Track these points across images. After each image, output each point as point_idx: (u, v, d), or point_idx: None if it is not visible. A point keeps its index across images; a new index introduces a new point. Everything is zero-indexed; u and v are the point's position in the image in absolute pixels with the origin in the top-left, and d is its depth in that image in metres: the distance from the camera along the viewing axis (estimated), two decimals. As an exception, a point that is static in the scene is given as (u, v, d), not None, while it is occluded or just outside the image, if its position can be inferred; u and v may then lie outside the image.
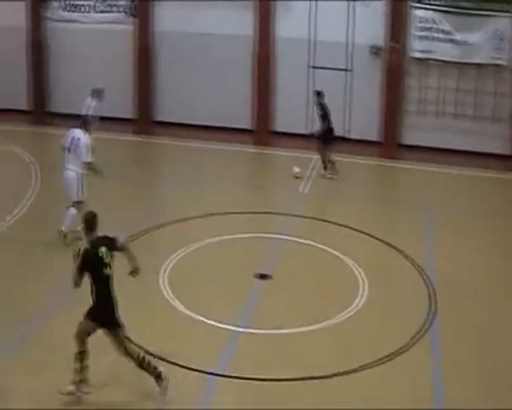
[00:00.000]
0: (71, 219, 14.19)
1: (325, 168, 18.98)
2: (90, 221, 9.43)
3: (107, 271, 9.32)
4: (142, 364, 9.50)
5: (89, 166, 14.31)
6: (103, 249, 9.31)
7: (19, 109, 24.24)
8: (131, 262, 9.85)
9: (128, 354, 9.48)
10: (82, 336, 9.39)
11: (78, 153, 14.29)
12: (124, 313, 11.72)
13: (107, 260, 9.32)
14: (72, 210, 14.26)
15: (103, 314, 9.39)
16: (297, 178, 18.69)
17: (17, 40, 23.85)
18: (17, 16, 23.77)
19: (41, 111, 24.32)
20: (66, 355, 9.60)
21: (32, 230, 15.05)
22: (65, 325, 10.59)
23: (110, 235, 9.62)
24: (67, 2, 24.00)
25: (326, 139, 18.81)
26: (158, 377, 9.52)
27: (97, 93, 18.10)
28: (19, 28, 23.83)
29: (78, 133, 14.36)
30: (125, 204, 16.88)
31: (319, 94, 18.93)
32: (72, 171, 14.27)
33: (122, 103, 22.82)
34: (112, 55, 23.36)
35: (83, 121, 14.75)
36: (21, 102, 24.30)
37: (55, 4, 24.08)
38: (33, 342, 10.91)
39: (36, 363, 10.28)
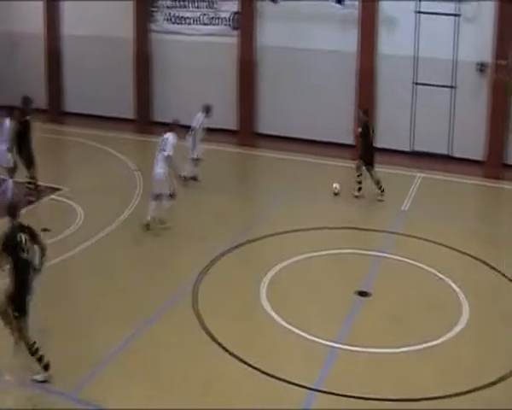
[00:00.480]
0: (164, 209, 15.87)
1: (359, 190, 18.38)
2: (12, 209, 10.27)
3: (24, 255, 10.01)
4: (33, 352, 10.08)
5: (167, 159, 15.47)
6: (22, 235, 10.05)
7: (126, 118, 24.99)
8: (40, 261, 10.39)
9: (24, 341, 10.07)
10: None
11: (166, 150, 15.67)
12: (223, 324, 11.93)
13: (24, 246, 10.03)
14: (166, 203, 15.83)
15: (18, 298, 9.97)
16: (336, 194, 18.61)
17: (126, 51, 24.60)
18: (126, 28, 24.51)
19: (145, 120, 24.95)
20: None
21: (135, 230, 15.87)
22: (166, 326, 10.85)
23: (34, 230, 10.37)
24: (172, 14, 24.58)
25: (365, 158, 18.38)
26: (45, 367, 10.09)
27: (207, 109, 19.04)
28: (127, 40, 24.57)
29: (167, 135, 15.75)
30: (227, 215, 17.14)
31: (366, 113, 18.62)
32: (162, 169, 15.59)
33: (225, 115, 23.13)
34: (215, 66, 23.77)
35: (172, 126, 16.09)
36: (128, 111, 25.02)
37: (161, 16, 24.70)
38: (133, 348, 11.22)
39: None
